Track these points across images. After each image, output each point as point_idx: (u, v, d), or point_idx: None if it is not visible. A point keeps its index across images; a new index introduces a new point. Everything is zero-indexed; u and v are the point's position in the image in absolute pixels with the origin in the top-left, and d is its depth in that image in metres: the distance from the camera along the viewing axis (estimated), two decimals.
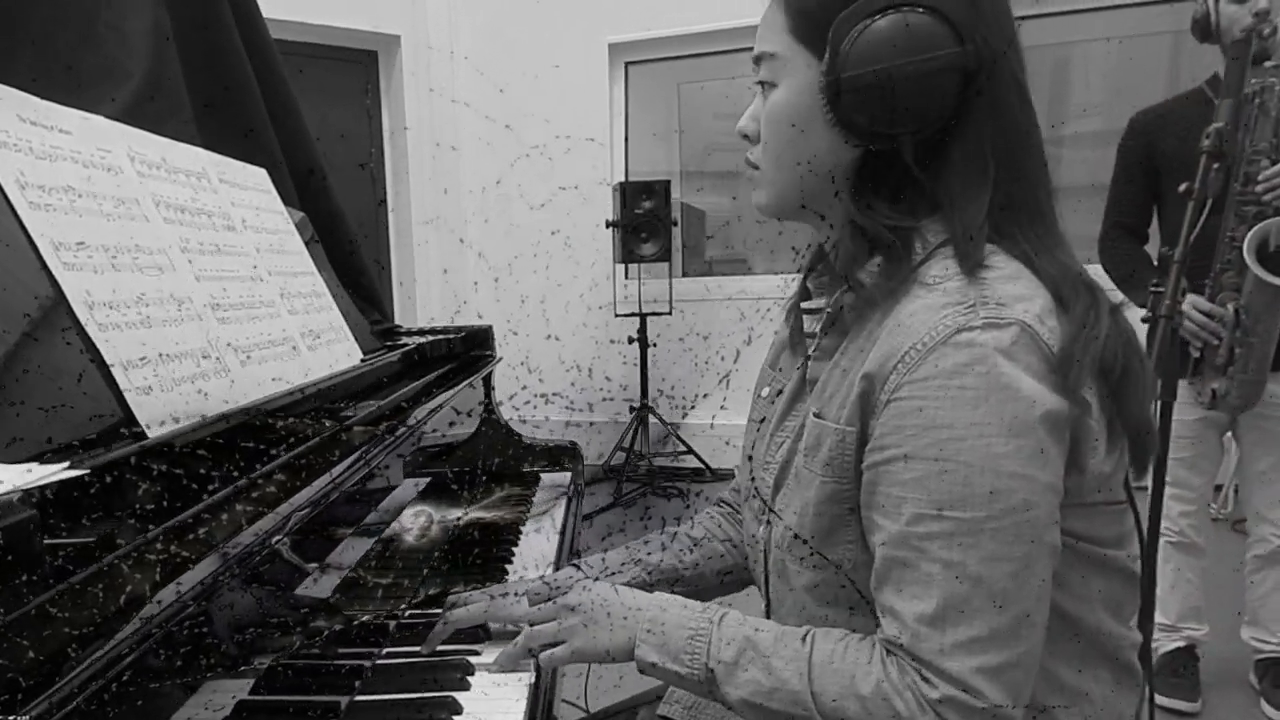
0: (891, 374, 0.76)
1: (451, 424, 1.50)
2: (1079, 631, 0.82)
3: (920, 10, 0.77)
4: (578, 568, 1.08)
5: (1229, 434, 2.30)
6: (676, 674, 0.84)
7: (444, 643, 1.01)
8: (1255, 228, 1.93)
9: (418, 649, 0.99)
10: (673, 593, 1.08)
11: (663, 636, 0.86)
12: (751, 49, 0.89)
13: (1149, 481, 1.60)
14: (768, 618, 0.96)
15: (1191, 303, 2.04)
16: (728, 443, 4.44)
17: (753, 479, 0.99)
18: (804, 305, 0.96)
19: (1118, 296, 1.87)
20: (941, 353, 0.73)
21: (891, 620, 0.76)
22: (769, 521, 0.94)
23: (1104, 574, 0.83)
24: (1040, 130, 0.85)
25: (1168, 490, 2.22)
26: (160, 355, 0.75)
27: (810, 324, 0.94)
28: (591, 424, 4.74)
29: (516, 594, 1.03)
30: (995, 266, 0.78)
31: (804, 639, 0.82)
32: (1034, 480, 0.72)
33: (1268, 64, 1.92)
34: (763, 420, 1.01)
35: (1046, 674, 0.80)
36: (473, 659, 0.97)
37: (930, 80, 0.77)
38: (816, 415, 0.86)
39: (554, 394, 4.79)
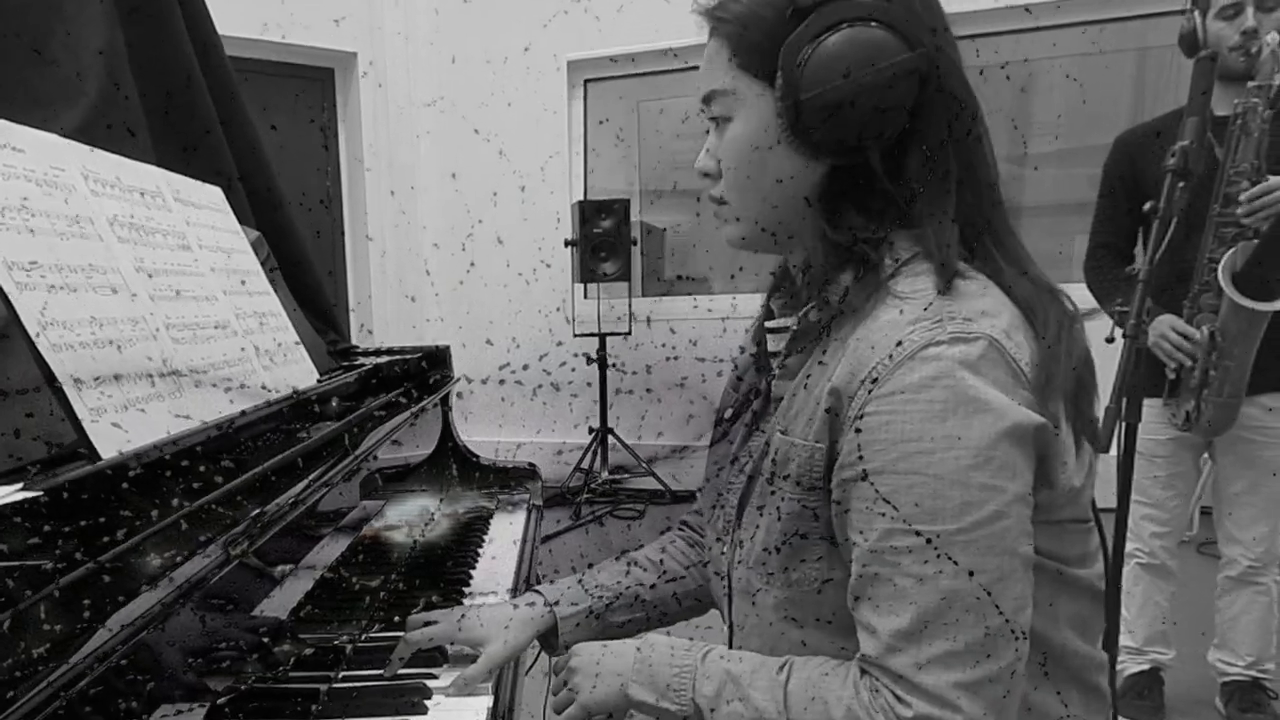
0: (859, 390, 0.76)
1: (405, 426, 1.49)
2: (1046, 650, 0.82)
3: (862, 22, 0.77)
4: (539, 594, 1.08)
5: (1205, 456, 2.27)
6: (668, 711, 0.85)
7: (402, 665, 1.00)
8: (1229, 251, 1.92)
9: (375, 672, 0.98)
10: (633, 616, 1.09)
11: (652, 676, 0.87)
12: None
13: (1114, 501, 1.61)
14: (730, 640, 0.96)
15: (1169, 323, 2.02)
16: (687, 462, 4.45)
17: (717, 499, 1.00)
18: (769, 324, 0.96)
19: (1104, 319, 1.87)
20: (908, 367, 0.73)
21: (868, 637, 0.76)
22: (733, 541, 0.94)
23: (1070, 593, 0.83)
24: (989, 133, 0.85)
25: (1141, 510, 2.22)
26: (114, 376, 0.74)
27: (774, 343, 0.95)
28: (550, 445, 4.73)
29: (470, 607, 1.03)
30: (962, 281, 0.79)
31: (781, 668, 0.82)
32: (1004, 491, 0.72)
33: (1250, 84, 1.89)
34: (726, 440, 1.02)
35: None
36: (430, 682, 0.96)
37: (884, 88, 0.78)
38: (783, 432, 0.86)
39: (513, 413, 4.77)
